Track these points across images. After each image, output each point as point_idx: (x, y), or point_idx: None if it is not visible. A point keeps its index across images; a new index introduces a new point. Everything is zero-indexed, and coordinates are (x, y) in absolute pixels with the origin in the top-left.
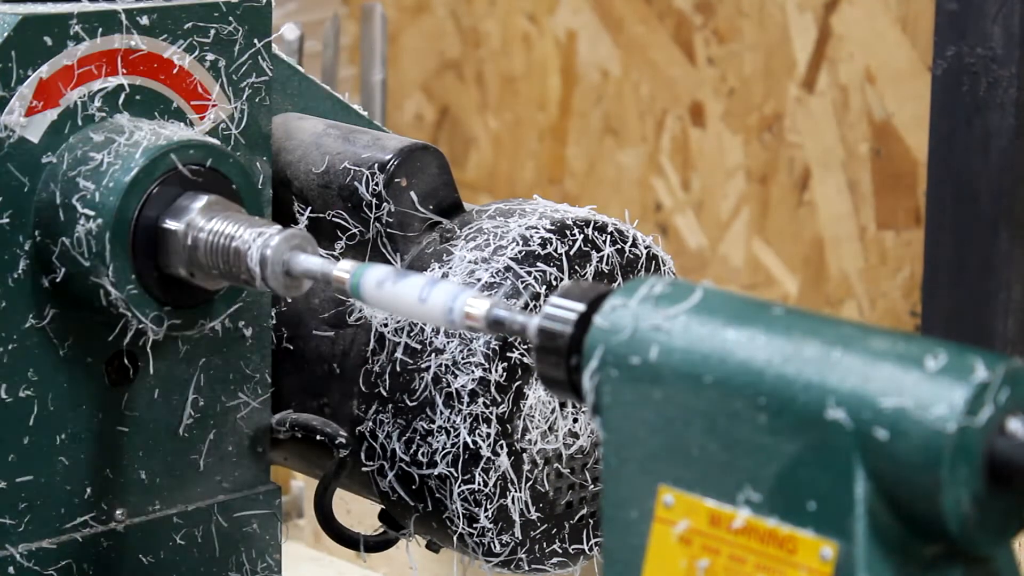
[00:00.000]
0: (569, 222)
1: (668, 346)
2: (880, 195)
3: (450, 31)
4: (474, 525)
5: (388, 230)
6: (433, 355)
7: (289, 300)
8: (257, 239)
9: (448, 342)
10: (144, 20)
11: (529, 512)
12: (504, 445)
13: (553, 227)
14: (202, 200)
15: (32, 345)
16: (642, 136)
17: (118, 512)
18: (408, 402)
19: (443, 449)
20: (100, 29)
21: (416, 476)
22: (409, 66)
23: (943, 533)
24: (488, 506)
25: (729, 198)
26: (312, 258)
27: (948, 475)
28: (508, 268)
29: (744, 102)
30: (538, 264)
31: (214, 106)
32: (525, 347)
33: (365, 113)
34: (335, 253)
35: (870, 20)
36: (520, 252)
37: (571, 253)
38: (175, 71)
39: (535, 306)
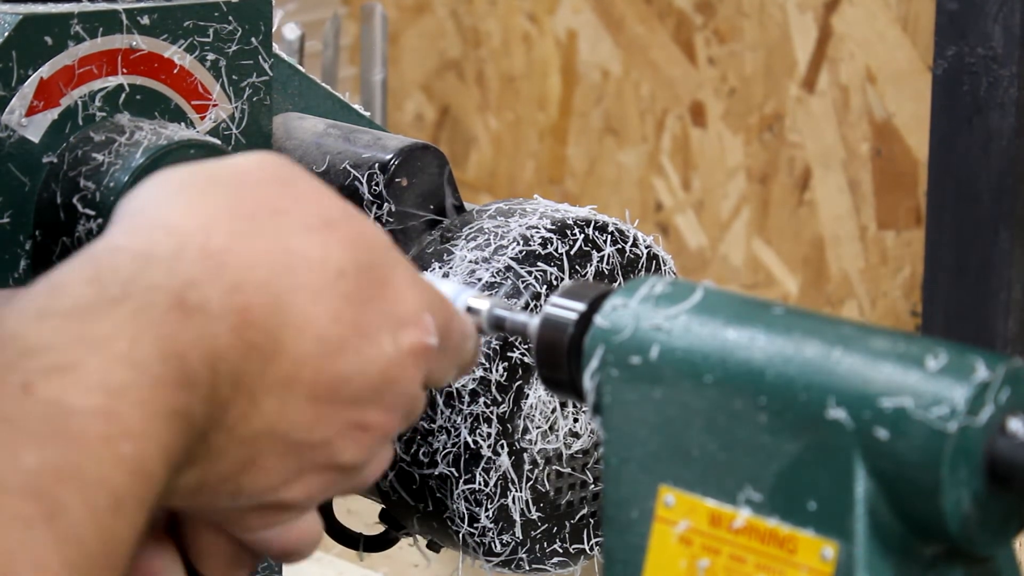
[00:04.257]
0: (570, 222)
1: (669, 346)
2: (881, 195)
3: (450, 31)
4: (475, 525)
5: (389, 230)
6: None
7: None
8: None
9: None
10: (144, 20)
11: (530, 512)
12: (505, 445)
13: (554, 227)
14: None
15: None
16: (642, 136)
17: None
18: None
19: (444, 449)
20: (101, 29)
21: (416, 476)
22: (409, 66)
23: (943, 533)
24: (489, 506)
25: (729, 198)
26: None
27: (948, 475)
28: (509, 268)
29: (744, 102)
30: (539, 264)
31: (214, 106)
32: (526, 347)
33: (366, 113)
34: None
35: (870, 20)
36: (521, 252)
37: (572, 253)
38: (175, 71)
39: (536, 306)
